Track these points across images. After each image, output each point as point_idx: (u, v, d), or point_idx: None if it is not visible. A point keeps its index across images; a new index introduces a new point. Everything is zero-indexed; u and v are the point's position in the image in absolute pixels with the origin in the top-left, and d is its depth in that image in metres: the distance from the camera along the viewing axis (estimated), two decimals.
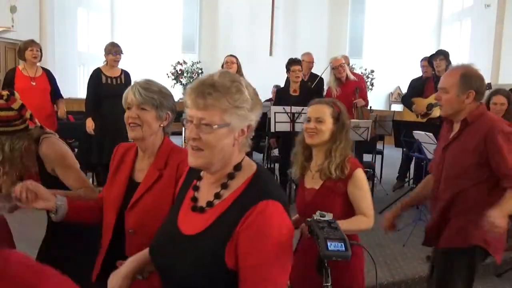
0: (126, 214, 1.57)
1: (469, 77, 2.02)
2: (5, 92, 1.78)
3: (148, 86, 1.60)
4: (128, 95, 1.59)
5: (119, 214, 1.60)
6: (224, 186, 1.16)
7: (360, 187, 1.91)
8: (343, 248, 1.31)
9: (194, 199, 1.21)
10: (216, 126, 1.09)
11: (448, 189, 2.06)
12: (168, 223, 1.25)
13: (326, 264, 1.43)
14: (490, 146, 1.95)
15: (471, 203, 2.00)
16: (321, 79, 5.67)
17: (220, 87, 1.09)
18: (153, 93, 1.59)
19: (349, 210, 1.90)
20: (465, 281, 2.04)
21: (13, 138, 1.81)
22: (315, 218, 1.46)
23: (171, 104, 1.66)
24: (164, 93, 1.65)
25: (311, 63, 5.74)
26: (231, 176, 1.16)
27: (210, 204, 1.16)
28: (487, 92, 4.81)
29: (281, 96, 5.08)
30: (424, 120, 5.17)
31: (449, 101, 2.03)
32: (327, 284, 1.42)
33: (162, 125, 1.63)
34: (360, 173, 1.91)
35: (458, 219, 2.04)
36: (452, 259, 2.05)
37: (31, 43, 4.44)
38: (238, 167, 1.17)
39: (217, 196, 1.16)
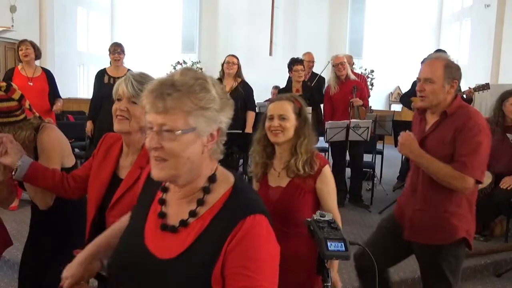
0: (107, 214, 1.53)
1: (452, 68, 2.05)
2: (3, 84, 1.78)
3: (142, 80, 1.53)
4: (120, 86, 1.53)
5: (101, 212, 1.56)
6: (200, 202, 1.02)
7: (328, 183, 1.90)
8: (343, 248, 1.31)
9: (162, 215, 1.06)
10: (179, 131, 0.95)
11: (427, 180, 2.06)
12: (133, 241, 1.08)
13: (326, 264, 1.42)
14: (461, 135, 1.97)
15: (450, 194, 2.02)
16: (322, 78, 5.67)
17: (181, 86, 0.96)
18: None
19: (318, 207, 1.89)
20: (455, 272, 2.08)
21: (15, 128, 1.79)
22: (315, 218, 1.45)
23: None
24: None
25: (311, 62, 5.74)
26: (206, 190, 1.03)
27: (184, 223, 1.01)
28: (486, 92, 4.83)
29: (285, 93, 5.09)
30: None
31: (434, 92, 2.04)
32: (327, 284, 1.41)
33: None
34: (328, 170, 1.90)
35: (438, 211, 2.05)
36: (440, 253, 2.06)
37: (21, 42, 4.43)
38: (212, 179, 1.04)
39: (193, 214, 1.01)
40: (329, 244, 1.31)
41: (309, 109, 4.73)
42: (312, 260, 1.86)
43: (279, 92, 5.36)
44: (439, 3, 13.14)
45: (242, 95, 4.62)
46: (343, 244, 1.32)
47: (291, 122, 1.87)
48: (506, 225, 4.03)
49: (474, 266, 3.46)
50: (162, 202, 1.08)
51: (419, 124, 2.19)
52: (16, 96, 1.80)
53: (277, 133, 1.87)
